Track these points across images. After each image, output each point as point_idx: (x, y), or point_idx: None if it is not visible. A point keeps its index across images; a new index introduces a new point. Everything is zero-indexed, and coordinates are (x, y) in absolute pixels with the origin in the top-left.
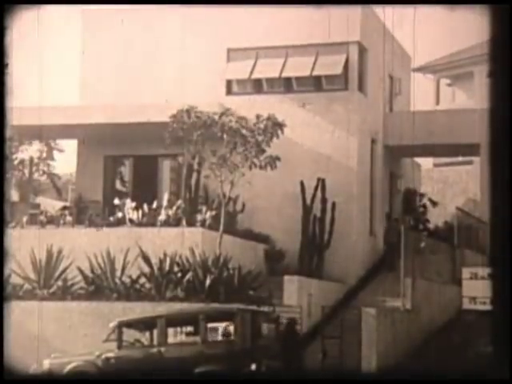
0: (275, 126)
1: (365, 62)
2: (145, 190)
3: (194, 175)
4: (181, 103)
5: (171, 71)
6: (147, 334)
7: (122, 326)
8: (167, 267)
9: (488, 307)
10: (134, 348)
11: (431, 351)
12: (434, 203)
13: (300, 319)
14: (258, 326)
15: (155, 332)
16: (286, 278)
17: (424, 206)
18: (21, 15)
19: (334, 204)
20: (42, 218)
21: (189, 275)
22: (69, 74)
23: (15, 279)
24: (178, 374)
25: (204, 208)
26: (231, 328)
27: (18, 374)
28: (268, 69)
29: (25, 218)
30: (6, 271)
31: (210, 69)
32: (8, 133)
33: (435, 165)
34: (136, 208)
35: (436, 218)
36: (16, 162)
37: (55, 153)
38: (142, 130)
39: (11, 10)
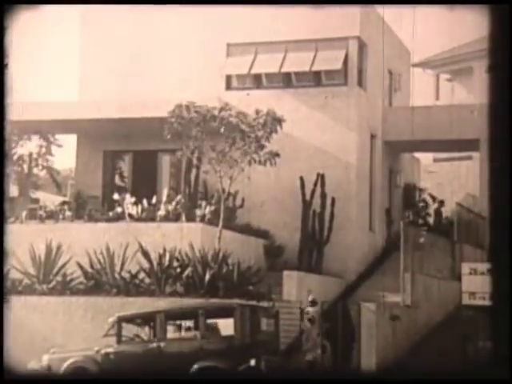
0: (274, 122)
1: (364, 57)
2: (144, 185)
3: (194, 170)
4: (180, 98)
5: (171, 67)
6: (146, 329)
7: (121, 321)
8: (167, 262)
9: (487, 302)
10: (133, 343)
11: (430, 347)
12: (434, 198)
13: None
14: (258, 322)
15: (155, 327)
16: (286, 273)
17: (424, 201)
18: (21, 15)
19: (333, 199)
20: (41, 212)
21: (188, 270)
22: (68, 71)
23: (14, 274)
24: (177, 369)
25: (203, 203)
26: None
27: (18, 374)
28: (267, 64)
29: (24, 213)
30: (6, 266)
31: (209, 64)
32: (7, 128)
33: (435, 160)
34: (135, 203)
35: (435, 213)
36: (15, 157)
37: (54, 148)
38: (142, 126)
39: (11, 10)
